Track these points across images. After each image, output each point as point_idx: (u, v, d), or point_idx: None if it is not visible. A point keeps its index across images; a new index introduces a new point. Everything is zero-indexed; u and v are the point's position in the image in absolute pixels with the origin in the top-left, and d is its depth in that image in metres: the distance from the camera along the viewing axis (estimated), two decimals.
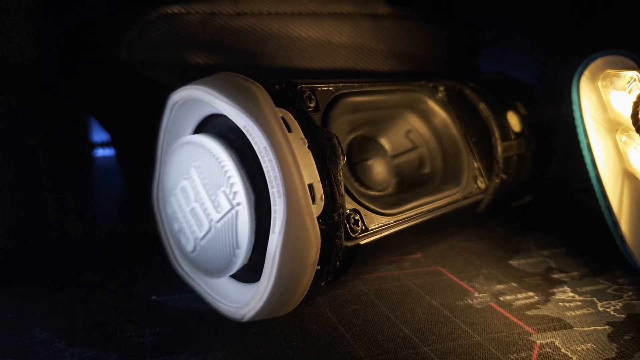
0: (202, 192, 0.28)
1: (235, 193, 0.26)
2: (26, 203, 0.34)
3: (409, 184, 0.36)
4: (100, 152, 0.64)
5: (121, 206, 0.53)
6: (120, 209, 0.52)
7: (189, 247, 0.29)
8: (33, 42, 0.33)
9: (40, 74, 0.35)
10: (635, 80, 0.33)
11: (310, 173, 0.25)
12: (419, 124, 0.38)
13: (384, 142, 0.36)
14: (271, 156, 0.24)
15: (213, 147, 0.27)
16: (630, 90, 0.33)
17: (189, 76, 0.30)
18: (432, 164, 0.38)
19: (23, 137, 0.34)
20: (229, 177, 0.26)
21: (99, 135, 0.61)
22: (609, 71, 0.36)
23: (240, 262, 0.27)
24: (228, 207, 0.26)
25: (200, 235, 0.28)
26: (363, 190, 0.32)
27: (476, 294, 0.34)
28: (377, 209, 0.30)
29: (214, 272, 0.28)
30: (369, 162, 0.34)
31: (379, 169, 0.34)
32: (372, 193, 0.33)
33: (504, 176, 0.40)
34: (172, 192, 0.30)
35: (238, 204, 0.26)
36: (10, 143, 0.33)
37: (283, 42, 0.42)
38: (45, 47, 0.36)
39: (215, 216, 0.27)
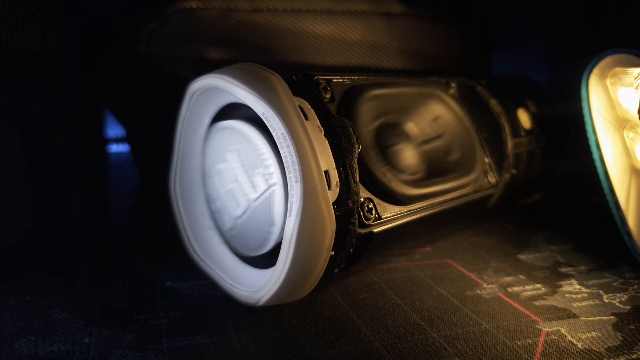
0: (240, 173, 0.29)
1: (271, 174, 0.27)
2: (45, 195, 0.35)
3: (441, 170, 0.36)
4: (115, 148, 0.65)
5: (137, 197, 0.54)
6: (136, 200, 0.53)
7: (227, 226, 0.31)
8: (56, 33, 0.34)
9: (62, 67, 0.36)
10: None
11: (326, 160, 0.26)
12: (444, 112, 0.38)
13: (411, 128, 0.36)
14: (289, 142, 0.25)
15: (248, 132, 0.28)
16: (638, 86, 0.34)
17: (206, 71, 0.30)
18: (457, 152, 0.38)
19: (43, 128, 0.34)
20: (264, 159, 0.27)
21: (113, 130, 0.62)
22: (618, 69, 0.37)
23: (275, 238, 0.28)
24: (264, 187, 0.28)
25: (239, 213, 0.29)
26: (392, 173, 0.32)
27: (485, 285, 0.34)
28: (397, 193, 0.31)
29: (252, 249, 0.30)
30: (398, 147, 0.34)
31: (408, 153, 0.34)
32: (403, 177, 0.33)
33: (514, 171, 0.40)
34: (207, 175, 0.31)
35: (274, 184, 0.27)
36: (30, 133, 0.33)
37: (298, 39, 0.42)
38: (65, 41, 0.36)
39: (253, 195, 0.28)
